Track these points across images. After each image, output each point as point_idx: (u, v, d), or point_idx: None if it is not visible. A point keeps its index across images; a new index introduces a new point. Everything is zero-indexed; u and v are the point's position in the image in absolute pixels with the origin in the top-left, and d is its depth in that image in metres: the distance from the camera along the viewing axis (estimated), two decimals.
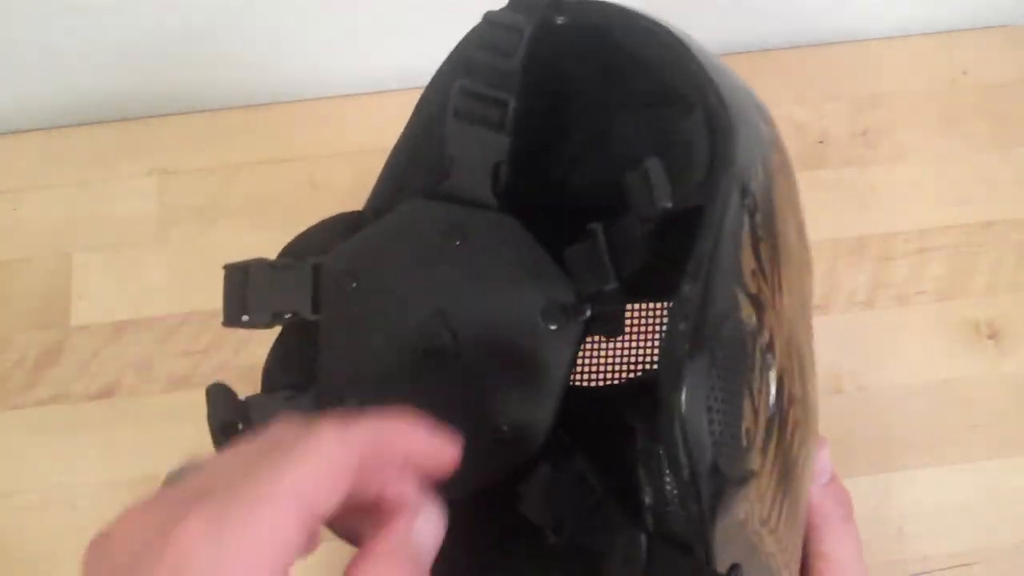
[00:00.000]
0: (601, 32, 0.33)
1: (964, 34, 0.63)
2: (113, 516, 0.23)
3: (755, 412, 0.29)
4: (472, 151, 0.33)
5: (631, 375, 0.45)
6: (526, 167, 0.34)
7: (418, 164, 0.35)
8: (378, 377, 0.33)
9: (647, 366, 0.45)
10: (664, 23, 0.33)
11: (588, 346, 0.45)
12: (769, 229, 0.31)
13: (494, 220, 0.33)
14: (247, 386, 0.34)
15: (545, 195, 0.37)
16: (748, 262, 0.29)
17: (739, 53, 0.62)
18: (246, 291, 0.32)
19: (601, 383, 0.45)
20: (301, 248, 0.34)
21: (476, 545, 0.31)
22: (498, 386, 0.31)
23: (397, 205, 0.34)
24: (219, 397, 0.32)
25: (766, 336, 0.29)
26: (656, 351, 0.45)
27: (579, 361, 0.44)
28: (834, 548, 0.37)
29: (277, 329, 0.35)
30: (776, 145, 0.34)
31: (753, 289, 0.29)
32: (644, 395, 0.28)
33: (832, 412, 0.53)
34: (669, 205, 0.28)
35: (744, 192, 0.29)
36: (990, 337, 0.55)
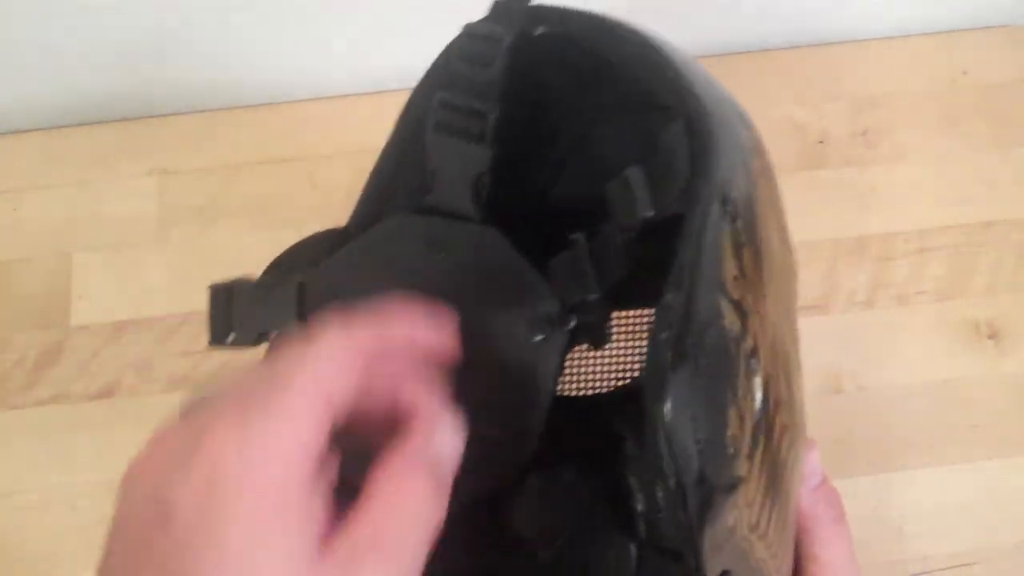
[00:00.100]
0: (580, 41, 0.33)
1: (964, 34, 0.63)
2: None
3: (741, 418, 0.28)
4: (453, 164, 0.33)
5: (618, 383, 0.44)
6: (508, 177, 0.33)
7: (400, 179, 0.35)
8: None
9: (634, 374, 0.44)
10: (644, 31, 0.32)
11: (575, 355, 0.45)
12: (751, 235, 0.30)
13: (476, 232, 0.32)
14: None
15: (527, 204, 0.37)
16: (730, 269, 0.29)
17: (739, 53, 0.62)
18: (231, 311, 0.32)
19: (589, 392, 0.44)
20: (289, 262, 0.34)
21: (465, 560, 0.31)
22: (485, 397, 0.31)
23: (380, 220, 0.34)
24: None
25: (750, 342, 0.29)
26: (642, 359, 0.44)
27: (566, 371, 0.44)
28: (826, 550, 0.37)
29: None
30: (757, 150, 0.34)
31: (736, 295, 0.29)
32: (631, 403, 0.28)
33: (832, 412, 0.53)
34: (651, 215, 0.28)
35: (725, 199, 0.29)
36: (990, 337, 0.55)
